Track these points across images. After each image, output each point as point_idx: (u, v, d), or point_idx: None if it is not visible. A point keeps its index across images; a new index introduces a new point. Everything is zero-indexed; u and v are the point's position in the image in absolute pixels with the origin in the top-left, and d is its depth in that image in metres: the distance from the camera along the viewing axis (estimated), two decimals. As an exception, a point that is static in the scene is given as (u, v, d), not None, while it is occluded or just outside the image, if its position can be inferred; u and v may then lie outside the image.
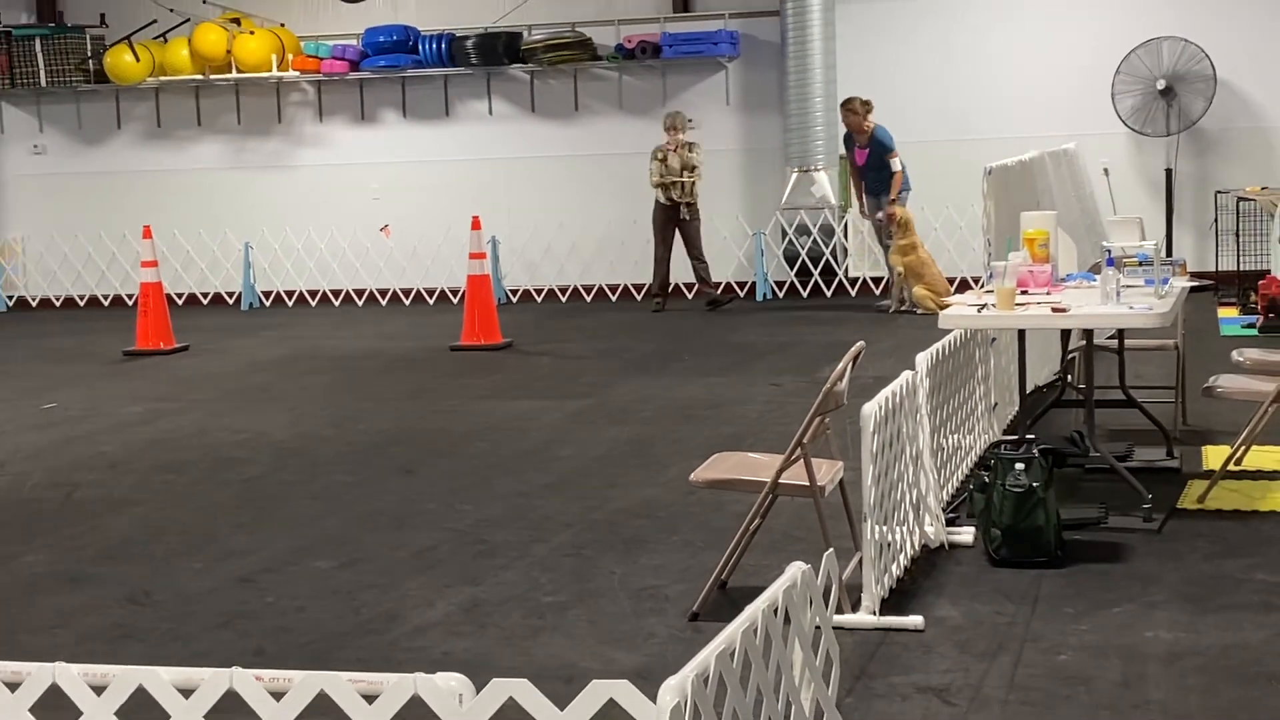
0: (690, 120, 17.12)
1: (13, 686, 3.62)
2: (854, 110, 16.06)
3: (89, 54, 19.41)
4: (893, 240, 15.53)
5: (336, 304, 18.89)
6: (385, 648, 6.22)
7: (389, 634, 6.40)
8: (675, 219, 16.97)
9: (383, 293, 18.95)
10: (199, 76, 19.17)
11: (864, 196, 16.58)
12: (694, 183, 16.78)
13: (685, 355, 13.96)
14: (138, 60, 19.02)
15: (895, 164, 16.03)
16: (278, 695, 3.48)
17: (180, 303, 18.64)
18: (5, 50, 19.47)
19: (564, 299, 18.64)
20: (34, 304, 20.03)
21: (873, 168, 16.30)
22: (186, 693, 3.54)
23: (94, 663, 5.90)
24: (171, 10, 19.29)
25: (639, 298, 18.25)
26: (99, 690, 3.60)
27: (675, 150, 16.76)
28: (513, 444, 10.24)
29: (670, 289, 17.36)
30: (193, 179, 19.63)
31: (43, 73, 19.39)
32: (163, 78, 19.24)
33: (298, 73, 18.99)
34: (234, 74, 18.98)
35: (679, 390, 12.07)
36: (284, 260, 18.93)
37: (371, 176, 19.20)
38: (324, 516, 8.48)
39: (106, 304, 19.45)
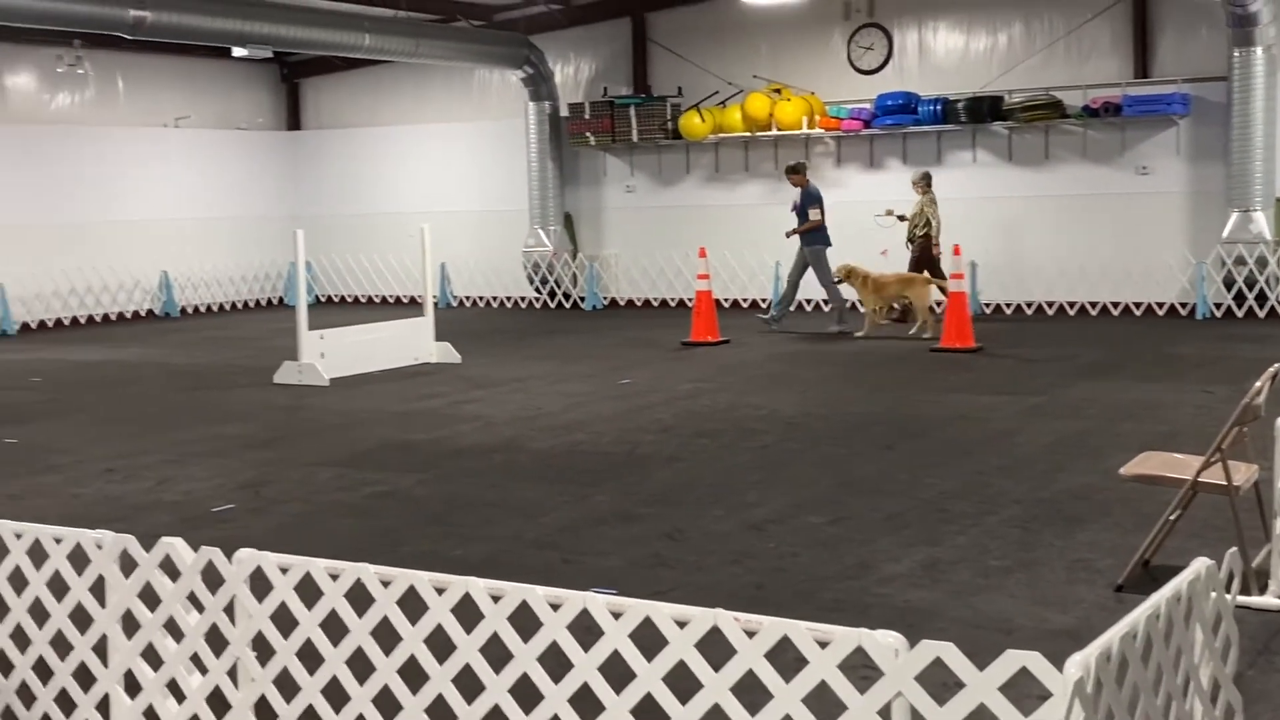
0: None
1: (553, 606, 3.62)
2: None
3: (668, 117, 19.95)
4: None
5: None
6: (858, 592, 6.03)
7: (861, 580, 6.20)
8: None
9: (808, 301, 18.61)
10: (748, 134, 19.39)
11: None
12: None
13: (1126, 364, 13.13)
14: (703, 121, 19.45)
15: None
16: (750, 634, 3.35)
17: (726, 306, 18.97)
18: (609, 115, 20.25)
19: (1029, 312, 17.98)
20: (621, 304, 20.84)
21: None
22: (682, 624, 3.46)
23: (632, 583, 6.03)
24: (729, 84, 19.64)
25: (1094, 313, 17.41)
26: (616, 616, 3.56)
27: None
28: (975, 430, 9.82)
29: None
30: (739, 212, 19.91)
31: (634, 131, 20.07)
32: (720, 135, 19.58)
33: (823, 130, 18.96)
34: (774, 131, 19.10)
35: (1122, 393, 11.31)
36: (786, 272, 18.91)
37: (879, 213, 18.95)
38: (819, 480, 8.35)
39: (673, 305, 19.98)
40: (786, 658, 3.32)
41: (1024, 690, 3.03)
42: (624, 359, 14.47)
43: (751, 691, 3.37)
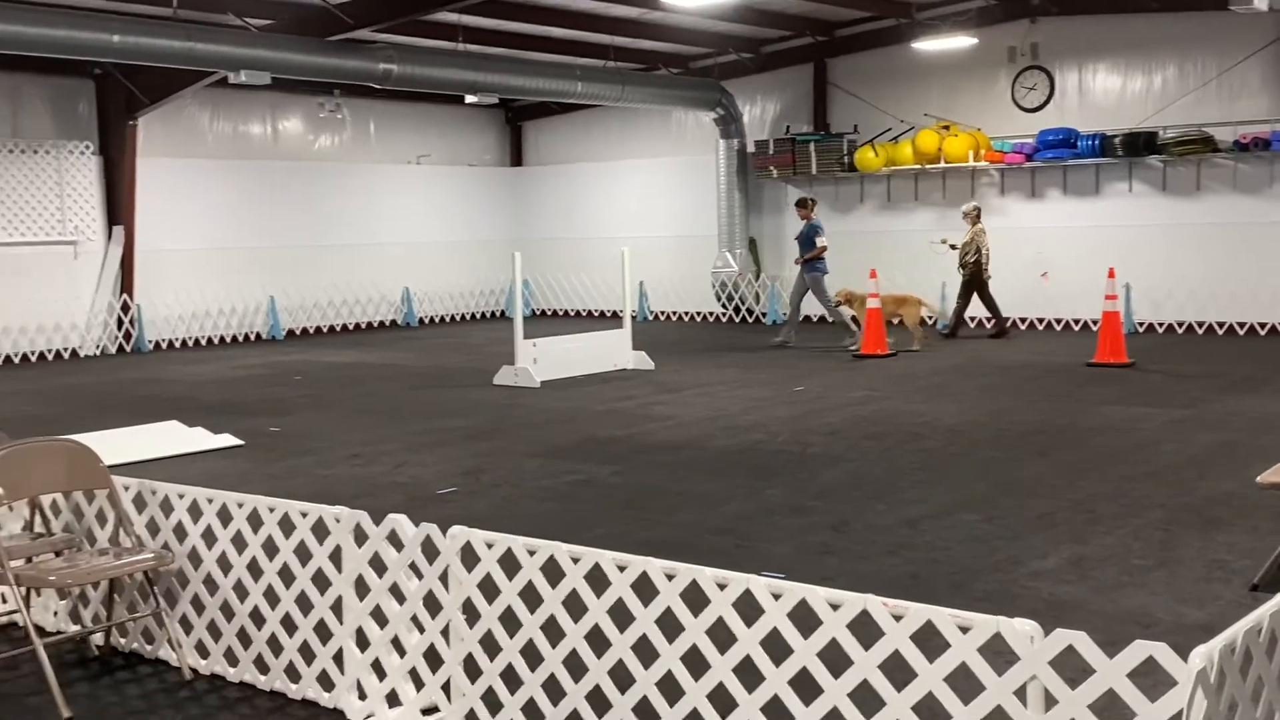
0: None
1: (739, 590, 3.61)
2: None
3: (844, 152, 19.71)
4: None
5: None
6: (1007, 585, 5.85)
7: (1011, 574, 6.01)
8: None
9: (1040, 320, 18.22)
10: (918, 166, 19.02)
11: None
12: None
13: (1273, 380, 12.43)
14: (877, 155, 19.16)
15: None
16: (897, 618, 3.29)
17: (895, 322, 18.60)
18: (791, 151, 20.12)
19: (1180, 331, 17.18)
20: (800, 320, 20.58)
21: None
22: (836, 606, 3.42)
23: (800, 569, 5.97)
24: (901, 121, 19.32)
25: (1241, 333, 16.57)
26: (776, 597, 3.53)
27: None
28: (1124, 439, 9.42)
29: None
30: (909, 238, 19.51)
31: (814, 165, 19.88)
32: (892, 168, 19.25)
33: (988, 163, 18.47)
34: (942, 164, 18.69)
35: (1266, 408, 10.71)
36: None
37: (1036, 238, 18.43)
38: (975, 481, 8.13)
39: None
40: (933, 642, 3.25)
41: (1158, 679, 2.90)
42: (799, 369, 14.34)
43: (899, 671, 3.32)
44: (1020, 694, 3.07)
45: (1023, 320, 18.35)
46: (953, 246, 17.12)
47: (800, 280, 16.71)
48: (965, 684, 3.19)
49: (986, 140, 18.41)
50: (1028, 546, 6.47)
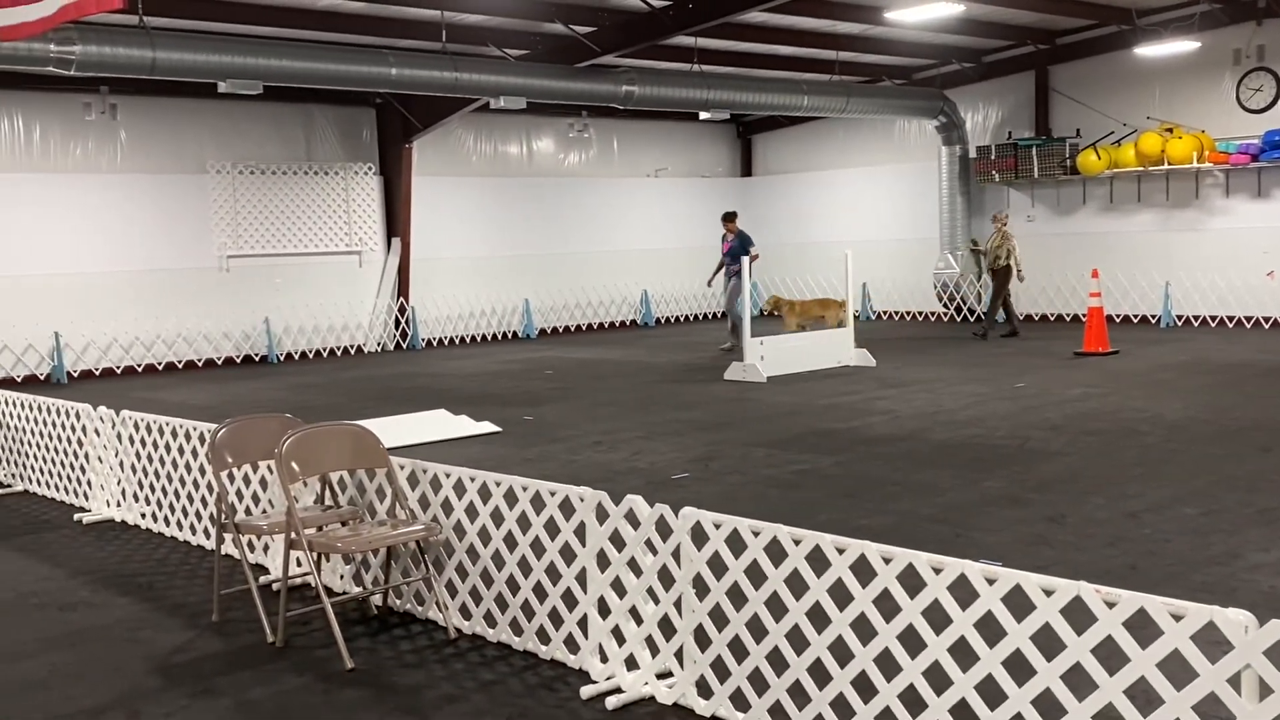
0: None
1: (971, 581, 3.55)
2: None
3: (1066, 155, 18.89)
4: None
5: (1230, 326, 17.16)
6: (1225, 578, 5.51)
7: (1229, 567, 5.67)
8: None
9: (1266, 319, 17.00)
10: (1140, 169, 18.04)
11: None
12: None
13: None
14: (1099, 159, 18.27)
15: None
16: (1110, 605, 3.17)
17: (1117, 320, 17.80)
18: (1013, 155, 19.42)
19: None
20: (1019, 318, 19.89)
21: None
22: (1049, 592, 3.32)
23: (1016, 558, 5.79)
24: (1124, 124, 18.38)
25: None
26: (990, 582, 3.45)
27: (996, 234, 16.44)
28: (1356, 438, 8.73)
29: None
30: (1131, 238, 18.56)
31: (1035, 169, 19.13)
32: (1115, 170, 18.31)
33: (1212, 164, 17.33)
34: (1165, 166, 17.65)
35: None
36: (1198, 292, 17.43)
37: (1263, 238, 17.21)
38: (1195, 477, 7.68)
39: (1067, 320, 18.93)
40: (1147, 630, 3.12)
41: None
42: (1019, 366, 13.84)
43: (1112, 657, 3.20)
44: (1234, 682, 2.91)
45: (1248, 319, 17.17)
46: (975, 245, 16.56)
47: (729, 286, 16.37)
48: (1179, 671, 3.05)
49: (1211, 142, 17.30)
50: (1247, 540, 6.08)
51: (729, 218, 16.70)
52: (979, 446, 9.01)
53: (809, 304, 16.35)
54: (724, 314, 16.84)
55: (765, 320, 17.56)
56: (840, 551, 3.78)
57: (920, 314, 21.27)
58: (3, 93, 15.82)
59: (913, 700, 3.63)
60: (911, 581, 3.60)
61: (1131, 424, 9.65)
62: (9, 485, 9.03)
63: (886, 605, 3.66)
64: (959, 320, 20.18)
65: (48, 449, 8.54)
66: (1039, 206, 19.87)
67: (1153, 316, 18.06)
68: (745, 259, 14.35)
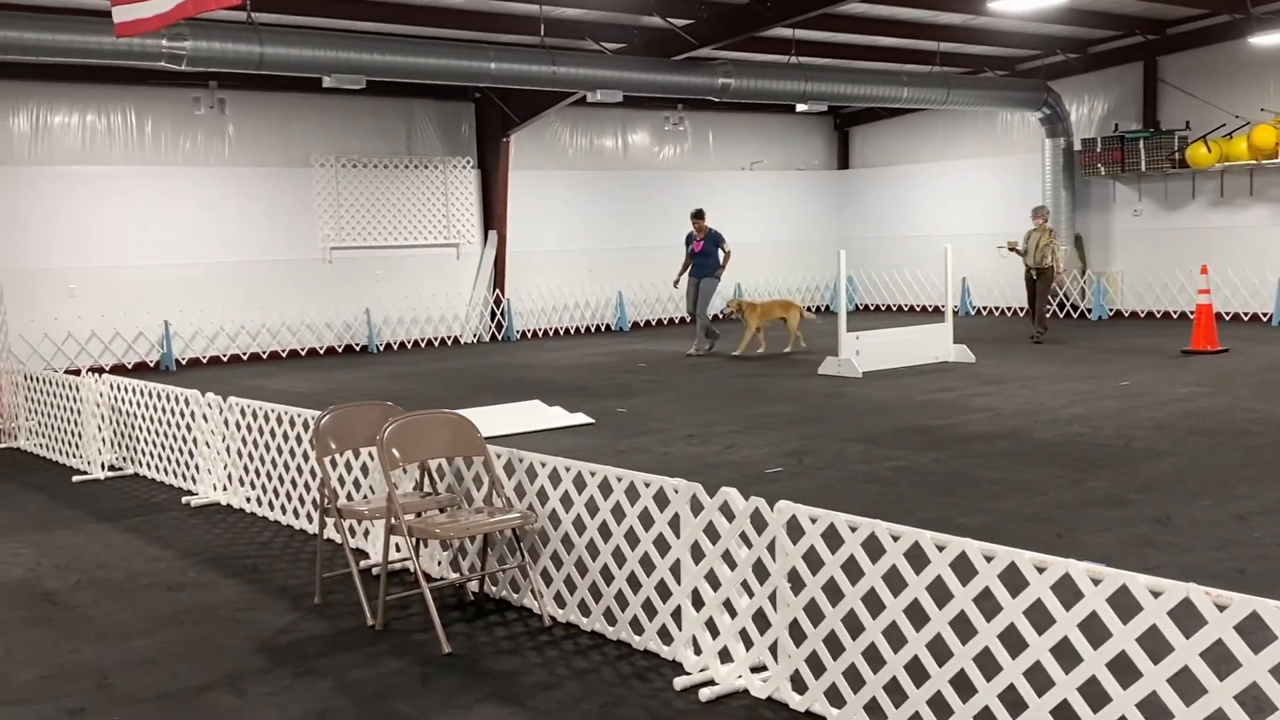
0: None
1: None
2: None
3: (1175, 149, 18.37)
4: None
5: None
6: (1342, 585, 5.32)
7: (1348, 575, 5.46)
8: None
9: None
10: (1253, 162, 17.45)
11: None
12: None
13: None
14: (1209, 152, 17.74)
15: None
16: (1221, 608, 3.08)
17: (1226, 318, 17.25)
18: (1119, 148, 18.95)
19: None
20: (1125, 315, 19.44)
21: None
22: (1156, 594, 3.23)
23: (1121, 560, 5.66)
24: (1236, 117, 17.81)
25: None
26: (1095, 582, 3.37)
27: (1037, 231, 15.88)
28: None
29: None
30: (1242, 233, 18.01)
31: (1143, 161, 18.65)
32: (1226, 163, 17.75)
33: (1331, 156, 16.76)
34: (1279, 160, 17.07)
35: None
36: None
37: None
38: (1311, 481, 7.43)
39: (1174, 317, 18.41)
40: (1259, 635, 3.02)
41: None
42: (1124, 364, 13.50)
43: (1221, 661, 3.11)
44: (1354, 693, 2.81)
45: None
46: (1014, 247, 16.06)
47: (695, 287, 15.85)
48: (1294, 680, 2.95)
49: (1330, 133, 16.70)
50: (1369, 549, 5.86)
51: (698, 215, 16.13)
52: (1082, 445, 8.81)
53: (770, 305, 16.07)
54: (693, 317, 16.21)
55: (726, 323, 17.43)
56: (940, 549, 3.73)
57: (1022, 310, 20.83)
58: (116, 88, 16.36)
59: (1013, 701, 3.57)
60: (1013, 580, 3.54)
61: (1241, 424, 9.35)
62: (121, 468, 9.34)
63: (987, 604, 3.60)
64: (1060, 316, 19.76)
65: (157, 434, 8.82)
66: (1146, 200, 19.37)
67: (1264, 314, 17.47)
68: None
